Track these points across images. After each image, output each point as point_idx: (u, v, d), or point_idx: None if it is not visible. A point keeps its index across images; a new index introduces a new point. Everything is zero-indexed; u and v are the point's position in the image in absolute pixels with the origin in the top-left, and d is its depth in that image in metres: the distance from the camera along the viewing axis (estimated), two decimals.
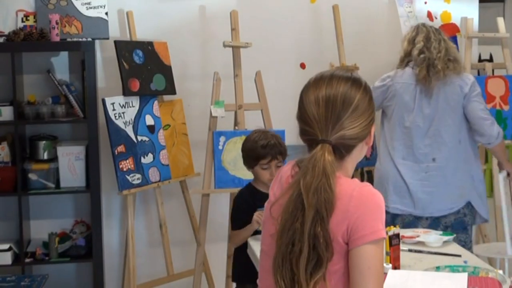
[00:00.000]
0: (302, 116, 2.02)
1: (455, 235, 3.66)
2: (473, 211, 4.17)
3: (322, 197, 1.88)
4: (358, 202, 1.91)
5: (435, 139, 4.10)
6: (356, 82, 2.02)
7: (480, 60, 5.57)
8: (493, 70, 5.24)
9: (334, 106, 1.96)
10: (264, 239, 2.08)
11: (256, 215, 3.46)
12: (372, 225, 1.89)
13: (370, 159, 4.83)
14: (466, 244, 4.06)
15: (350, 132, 1.96)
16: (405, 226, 4.09)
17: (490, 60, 5.68)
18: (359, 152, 2.04)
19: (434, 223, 4.12)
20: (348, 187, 1.94)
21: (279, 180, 2.09)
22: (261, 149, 3.51)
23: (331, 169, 1.91)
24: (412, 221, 4.14)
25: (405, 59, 4.20)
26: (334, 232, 1.89)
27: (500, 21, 5.22)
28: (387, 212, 3.97)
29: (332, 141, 1.95)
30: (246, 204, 3.59)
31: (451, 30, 5.10)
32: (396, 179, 4.12)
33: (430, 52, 4.09)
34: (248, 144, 3.58)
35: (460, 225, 4.12)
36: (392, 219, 4.12)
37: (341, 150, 1.97)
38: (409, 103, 4.11)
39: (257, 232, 3.50)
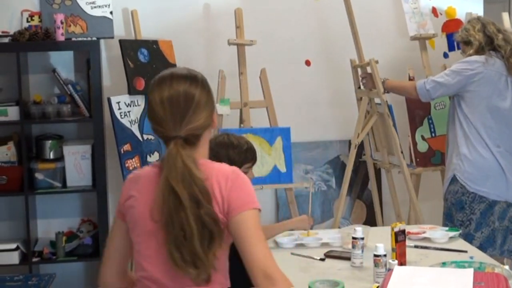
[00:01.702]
0: (152, 116, 2.25)
1: (460, 230, 3.67)
2: None
3: (192, 185, 2.14)
4: (233, 183, 2.19)
5: None
6: (194, 80, 2.26)
7: None
8: None
9: (178, 105, 2.20)
10: (139, 236, 2.27)
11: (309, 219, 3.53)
12: (246, 198, 2.18)
13: None
14: None
15: (196, 125, 2.22)
16: (501, 213, 4.17)
17: None
18: (208, 136, 2.32)
19: None
20: (221, 169, 2.24)
21: (135, 181, 2.29)
22: (245, 153, 3.47)
23: (189, 160, 2.18)
24: (506, 209, 4.20)
25: (486, 48, 4.25)
26: (215, 207, 2.17)
27: (505, 16, 5.20)
28: (485, 199, 4.04)
29: (182, 135, 2.20)
30: None
31: (456, 26, 5.08)
32: (494, 166, 4.16)
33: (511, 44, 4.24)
34: (235, 150, 3.47)
35: None
36: (490, 206, 4.15)
37: (192, 141, 2.23)
38: (503, 92, 4.20)
39: None
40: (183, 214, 2.13)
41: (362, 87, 4.87)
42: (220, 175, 2.22)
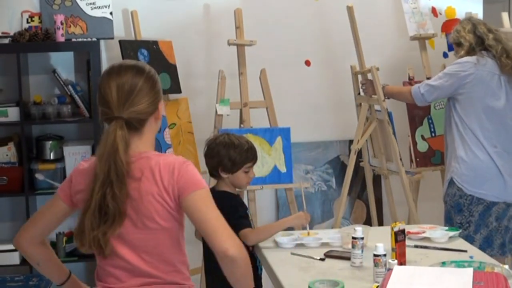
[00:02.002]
0: (101, 100, 2.44)
1: (460, 230, 3.68)
2: None
3: (111, 165, 2.32)
4: (179, 170, 2.39)
5: None
6: (140, 70, 2.47)
7: None
8: None
9: (122, 90, 2.41)
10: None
11: (305, 215, 3.53)
12: (194, 181, 2.40)
13: None
14: None
15: (138, 108, 2.41)
16: (500, 214, 4.18)
17: None
18: (153, 125, 2.49)
19: None
20: (168, 160, 2.42)
21: (86, 174, 2.45)
22: (246, 153, 3.47)
23: (121, 140, 2.35)
24: (505, 209, 4.21)
25: (476, 48, 4.25)
26: (165, 196, 2.38)
27: (505, 16, 5.21)
28: (483, 201, 4.05)
29: (124, 116, 2.39)
30: (241, 204, 3.56)
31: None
32: (491, 167, 4.16)
33: (503, 43, 4.24)
34: (236, 150, 3.47)
35: None
36: (488, 208, 4.16)
37: (135, 124, 2.41)
38: (497, 91, 4.20)
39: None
40: (95, 187, 2.34)
41: (362, 93, 4.87)
42: (167, 165, 2.40)
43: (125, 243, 2.42)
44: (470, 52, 4.25)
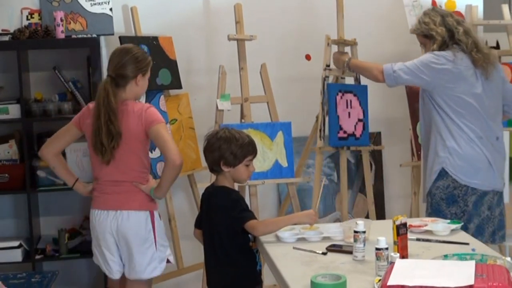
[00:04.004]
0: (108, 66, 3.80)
1: (463, 223, 3.68)
2: None
3: (107, 105, 3.63)
4: (146, 112, 3.69)
5: (496, 119, 4.24)
6: (129, 51, 3.78)
7: None
8: (499, 58, 5.22)
9: (116, 61, 3.75)
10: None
11: (315, 214, 3.52)
12: (156, 118, 3.69)
13: (360, 138, 4.84)
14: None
15: (122, 72, 3.71)
16: (491, 204, 4.19)
17: (497, 47, 5.65)
18: (133, 86, 3.75)
19: (500, 197, 4.28)
20: (138, 106, 3.74)
21: (88, 107, 3.84)
22: (247, 146, 3.49)
23: (111, 90, 3.65)
24: (494, 197, 4.22)
25: (449, 42, 4.19)
26: (136, 130, 3.69)
27: (505, 8, 5.20)
28: (477, 191, 4.08)
29: (112, 75, 3.71)
30: (241, 198, 3.57)
31: None
32: (482, 157, 4.14)
33: (472, 36, 4.19)
34: (237, 144, 3.49)
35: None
36: (480, 197, 4.15)
37: (118, 81, 3.70)
38: (475, 84, 4.15)
39: None
40: (99, 122, 3.63)
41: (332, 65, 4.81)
42: (140, 109, 3.71)
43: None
44: (442, 46, 4.17)
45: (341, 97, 4.78)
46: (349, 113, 4.82)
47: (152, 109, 3.73)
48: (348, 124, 4.82)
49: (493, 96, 4.20)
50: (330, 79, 4.79)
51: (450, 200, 4.12)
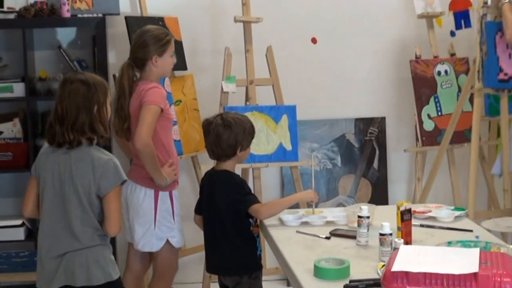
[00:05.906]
0: None
1: (466, 209, 3.67)
2: None
3: (119, 88, 3.83)
4: (145, 92, 3.72)
5: None
6: (145, 33, 3.90)
7: None
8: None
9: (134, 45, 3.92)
10: None
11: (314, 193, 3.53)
12: (148, 99, 3.71)
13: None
14: None
15: (138, 55, 3.83)
16: None
17: None
18: (152, 67, 3.82)
19: None
20: (143, 86, 3.76)
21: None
22: (252, 127, 3.53)
23: (127, 71, 3.82)
24: None
25: None
26: (136, 110, 3.74)
27: None
28: None
29: (131, 58, 3.86)
30: (244, 182, 3.58)
31: (464, 4, 5.06)
32: None
33: None
34: (249, 125, 3.50)
35: None
36: None
37: (137, 64, 3.84)
38: None
39: None
40: (117, 104, 3.86)
41: None
42: (143, 89, 3.74)
43: None
44: None
45: (501, 37, 4.49)
46: (510, 54, 4.52)
47: (153, 90, 3.74)
48: (509, 66, 4.52)
49: None
50: (488, 18, 4.55)
51: None
